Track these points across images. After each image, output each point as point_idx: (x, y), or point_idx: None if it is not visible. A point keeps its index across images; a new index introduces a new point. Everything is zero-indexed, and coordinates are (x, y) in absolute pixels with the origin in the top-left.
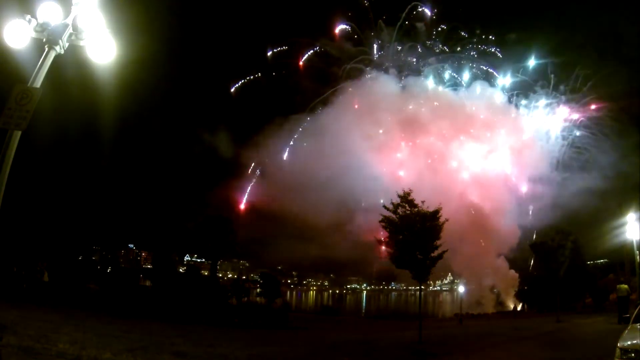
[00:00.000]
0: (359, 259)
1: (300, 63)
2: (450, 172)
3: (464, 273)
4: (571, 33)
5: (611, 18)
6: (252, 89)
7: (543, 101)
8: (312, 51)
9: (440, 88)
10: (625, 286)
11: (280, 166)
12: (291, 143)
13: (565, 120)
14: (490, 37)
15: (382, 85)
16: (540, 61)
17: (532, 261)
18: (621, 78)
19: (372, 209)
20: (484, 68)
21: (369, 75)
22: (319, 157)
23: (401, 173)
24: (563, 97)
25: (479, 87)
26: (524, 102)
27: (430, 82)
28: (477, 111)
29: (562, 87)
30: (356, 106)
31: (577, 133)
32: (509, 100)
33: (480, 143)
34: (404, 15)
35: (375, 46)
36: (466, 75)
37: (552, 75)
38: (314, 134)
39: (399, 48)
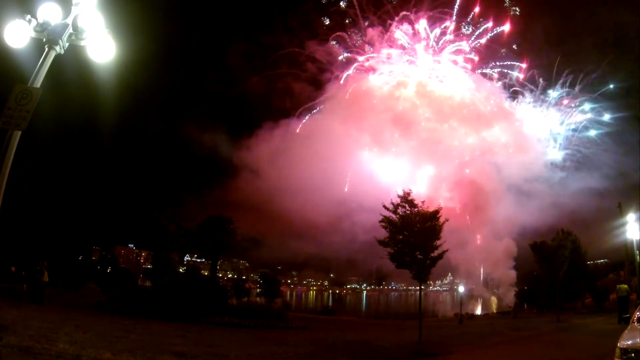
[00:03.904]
0: (358, 258)
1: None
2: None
3: (458, 258)
4: (563, 31)
5: (606, 15)
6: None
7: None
8: (304, 56)
9: (435, 85)
10: (625, 286)
11: (277, 167)
12: (287, 144)
13: (562, 120)
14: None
15: (373, 86)
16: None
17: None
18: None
19: (371, 209)
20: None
21: (359, 77)
22: (313, 159)
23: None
24: (555, 98)
25: (472, 83)
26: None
27: (425, 80)
28: (473, 106)
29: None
30: (348, 108)
31: (575, 133)
32: (511, 98)
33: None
34: (394, 22)
35: (365, 49)
36: (458, 72)
37: (541, 80)
38: (308, 136)
39: (389, 51)
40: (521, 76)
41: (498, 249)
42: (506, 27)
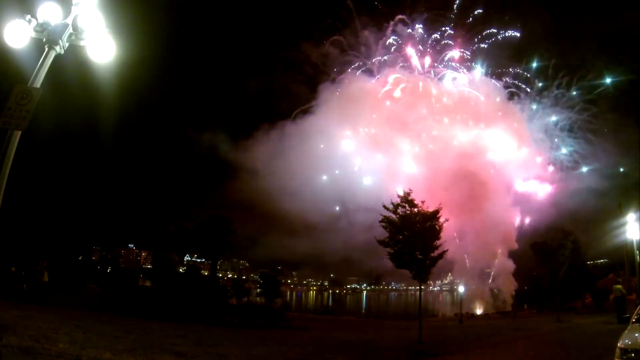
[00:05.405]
0: (357, 258)
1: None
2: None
3: (455, 249)
4: (559, 31)
5: (603, 15)
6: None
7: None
8: (301, 58)
9: (433, 86)
10: (620, 286)
11: (276, 167)
12: (285, 145)
13: (560, 120)
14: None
15: (368, 87)
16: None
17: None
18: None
19: (371, 209)
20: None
21: (355, 76)
22: (311, 159)
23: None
24: (553, 97)
25: (469, 83)
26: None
27: (422, 81)
28: (471, 106)
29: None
30: (345, 109)
31: (574, 132)
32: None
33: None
34: (391, 26)
35: (362, 51)
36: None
37: (536, 81)
38: (306, 137)
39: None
40: (529, 89)
41: (495, 240)
42: (504, 29)
